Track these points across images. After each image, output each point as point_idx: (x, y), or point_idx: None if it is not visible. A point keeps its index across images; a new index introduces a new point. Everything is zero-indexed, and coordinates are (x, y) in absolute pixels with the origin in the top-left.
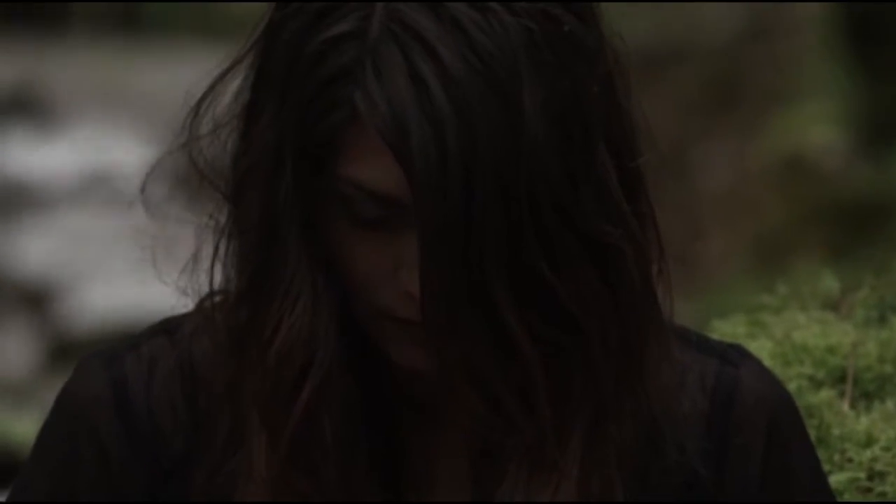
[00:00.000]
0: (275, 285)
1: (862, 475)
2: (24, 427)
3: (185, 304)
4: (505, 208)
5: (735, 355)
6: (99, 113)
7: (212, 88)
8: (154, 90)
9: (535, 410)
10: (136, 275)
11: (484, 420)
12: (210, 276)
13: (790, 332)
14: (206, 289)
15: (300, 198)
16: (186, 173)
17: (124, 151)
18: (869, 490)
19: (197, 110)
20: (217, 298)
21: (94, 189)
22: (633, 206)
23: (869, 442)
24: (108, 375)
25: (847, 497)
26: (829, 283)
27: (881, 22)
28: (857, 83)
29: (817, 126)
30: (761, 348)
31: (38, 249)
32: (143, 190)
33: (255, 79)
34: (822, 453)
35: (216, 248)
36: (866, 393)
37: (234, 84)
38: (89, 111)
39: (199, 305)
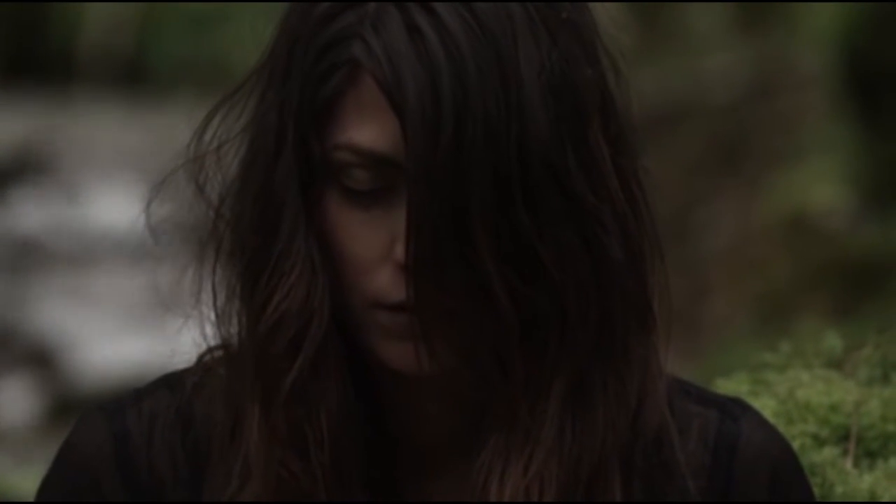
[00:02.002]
0: (269, 256)
1: None
2: (27, 482)
3: (187, 360)
4: (494, 160)
5: (735, 408)
6: (104, 170)
7: (221, 105)
8: (160, 148)
9: (509, 371)
10: (139, 332)
11: (461, 376)
12: (212, 286)
13: (793, 390)
14: (208, 313)
15: (299, 175)
16: (191, 212)
17: (129, 209)
18: None
19: (203, 129)
20: (217, 353)
21: (100, 246)
22: (627, 198)
23: (872, 500)
24: (109, 429)
25: None
26: (833, 341)
27: (885, 81)
28: (862, 142)
29: (821, 185)
30: (764, 406)
31: (42, 306)
32: (146, 209)
33: (265, 80)
34: None
35: (217, 251)
36: (870, 451)
37: (239, 107)
38: (95, 169)
39: (200, 359)
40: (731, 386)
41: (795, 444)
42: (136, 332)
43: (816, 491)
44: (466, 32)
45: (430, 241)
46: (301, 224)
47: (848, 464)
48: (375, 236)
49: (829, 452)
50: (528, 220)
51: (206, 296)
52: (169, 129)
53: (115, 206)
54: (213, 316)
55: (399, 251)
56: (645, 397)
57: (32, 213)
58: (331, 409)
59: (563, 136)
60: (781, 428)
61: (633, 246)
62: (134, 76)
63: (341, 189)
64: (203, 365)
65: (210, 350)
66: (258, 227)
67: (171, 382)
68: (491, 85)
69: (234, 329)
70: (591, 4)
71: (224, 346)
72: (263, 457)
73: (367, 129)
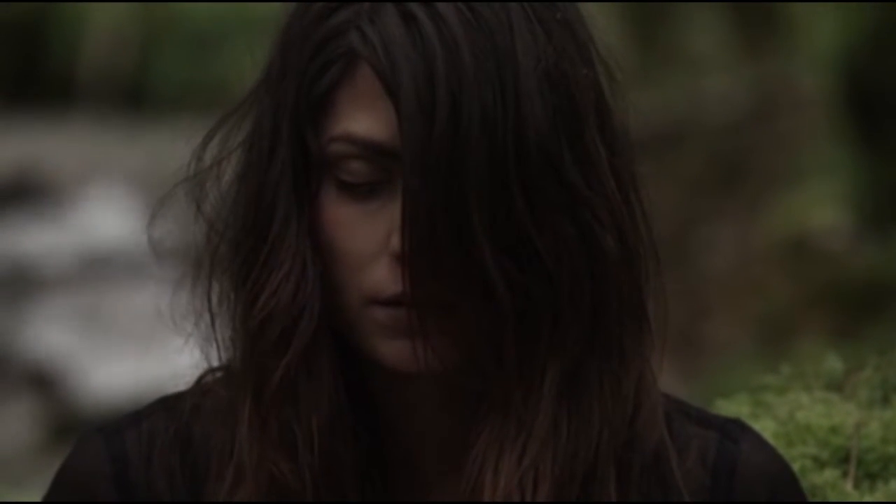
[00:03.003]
0: (261, 254)
1: None
2: None
3: (187, 381)
4: (490, 147)
5: (735, 429)
6: (102, 193)
7: (221, 124)
8: (158, 170)
9: (503, 358)
10: (138, 354)
11: (454, 375)
12: (208, 297)
13: (794, 412)
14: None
15: (293, 173)
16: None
17: (130, 230)
18: None
19: (203, 148)
20: (217, 374)
21: (98, 269)
22: (623, 199)
23: None
24: (108, 450)
25: None
26: (833, 363)
27: (885, 102)
28: (862, 163)
29: (822, 206)
30: (765, 428)
31: (41, 330)
32: (147, 229)
33: (262, 93)
34: None
35: (212, 262)
36: (870, 473)
37: (238, 125)
38: (93, 191)
39: (199, 381)
40: (731, 407)
41: (796, 466)
42: (135, 354)
43: None
44: (463, 22)
45: (425, 228)
46: (293, 220)
47: (848, 486)
48: (371, 230)
49: (829, 474)
50: (524, 208)
51: (206, 312)
52: (169, 151)
53: (116, 228)
54: (211, 331)
55: (395, 242)
56: (641, 401)
57: (32, 235)
58: (321, 410)
59: (559, 129)
60: (782, 450)
61: (627, 243)
62: (134, 98)
63: (338, 184)
64: (202, 386)
65: (210, 371)
66: (252, 227)
67: (169, 404)
68: (487, 73)
69: (228, 337)
70: (588, 18)
71: (224, 367)
72: (255, 457)
73: (363, 119)
